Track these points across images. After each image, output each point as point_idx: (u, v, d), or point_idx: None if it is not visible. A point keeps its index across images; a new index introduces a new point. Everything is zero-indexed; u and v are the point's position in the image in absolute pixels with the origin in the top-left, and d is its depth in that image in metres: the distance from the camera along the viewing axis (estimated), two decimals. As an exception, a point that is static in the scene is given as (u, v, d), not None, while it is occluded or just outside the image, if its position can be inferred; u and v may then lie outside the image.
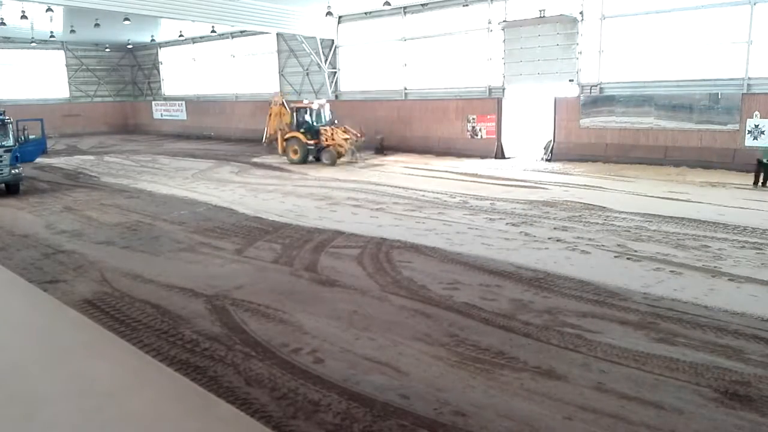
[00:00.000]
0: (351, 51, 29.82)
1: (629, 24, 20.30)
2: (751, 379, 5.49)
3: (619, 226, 11.39)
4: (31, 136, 19.96)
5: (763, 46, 17.77)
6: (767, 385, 5.38)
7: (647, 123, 19.56)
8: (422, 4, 25.79)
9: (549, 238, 10.67)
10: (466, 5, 24.02)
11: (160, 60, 43.48)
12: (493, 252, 9.89)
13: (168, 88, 43.62)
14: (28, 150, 19.30)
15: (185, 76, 41.23)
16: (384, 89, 28.50)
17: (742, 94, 17.89)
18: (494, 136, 23.25)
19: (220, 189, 17.25)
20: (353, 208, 13.95)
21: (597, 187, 15.73)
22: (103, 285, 8.67)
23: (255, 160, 24.33)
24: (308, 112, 22.48)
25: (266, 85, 34.45)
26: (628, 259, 9.35)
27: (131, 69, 46.24)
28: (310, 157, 22.22)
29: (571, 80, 21.39)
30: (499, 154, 22.96)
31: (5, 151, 16.25)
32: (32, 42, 37.09)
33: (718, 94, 18.22)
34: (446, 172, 19.48)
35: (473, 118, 23.92)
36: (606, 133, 20.55)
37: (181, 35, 35.98)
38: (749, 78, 18.10)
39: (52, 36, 35.76)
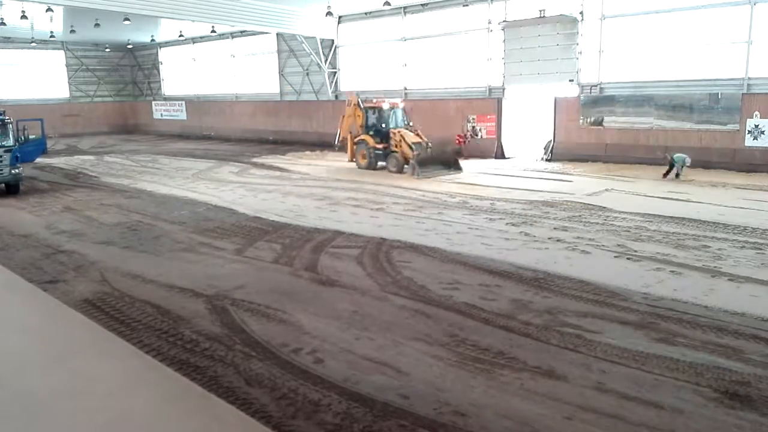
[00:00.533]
0: (351, 51, 29.82)
1: (629, 24, 20.31)
2: (751, 379, 5.48)
3: (619, 226, 11.38)
4: (31, 136, 19.97)
5: (763, 46, 17.77)
6: (767, 385, 5.38)
7: (647, 123, 19.56)
8: (422, 4, 25.79)
9: (549, 238, 10.67)
10: (466, 5, 24.02)
11: (160, 60, 43.49)
12: (493, 252, 9.89)
13: (168, 88, 43.62)
14: (28, 150, 19.30)
15: (185, 76, 41.24)
16: (384, 89, 28.47)
17: (742, 94, 17.90)
18: (494, 136, 23.26)
19: (220, 189, 17.25)
20: (353, 208, 13.95)
21: (599, 187, 15.73)
22: (103, 285, 8.66)
23: (255, 160, 24.33)
24: (376, 113, 20.17)
25: (266, 85, 34.46)
26: (628, 259, 9.35)
27: (131, 69, 46.25)
28: (380, 163, 19.80)
29: (571, 80, 21.39)
30: (499, 154, 22.96)
31: (5, 151, 16.25)
32: (32, 42, 37.10)
33: (718, 94, 18.22)
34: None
35: (473, 118, 23.92)
36: (606, 133, 20.56)
37: (181, 35, 35.99)
38: (749, 78, 18.11)
39: (52, 36, 35.78)
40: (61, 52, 41.74)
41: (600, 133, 20.67)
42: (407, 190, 16.09)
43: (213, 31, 32.81)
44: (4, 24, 27.55)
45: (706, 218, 11.76)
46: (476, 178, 18.13)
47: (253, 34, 33.28)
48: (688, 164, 16.52)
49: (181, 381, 5.30)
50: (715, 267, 8.79)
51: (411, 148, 18.62)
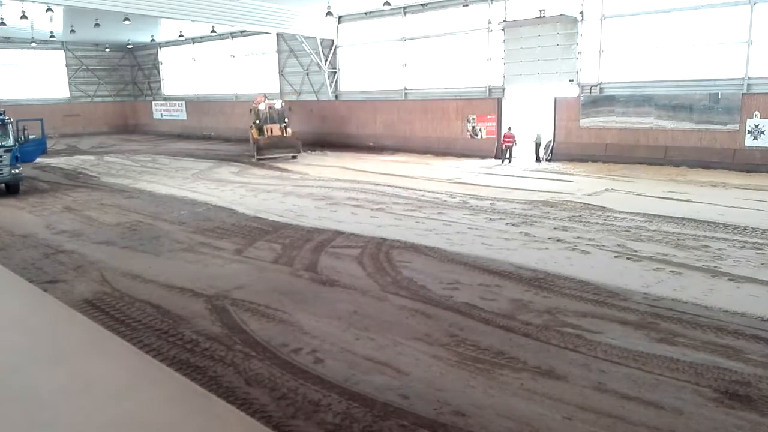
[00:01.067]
0: (351, 51, 29.82)
1: (629, 24, 20.31)
2: (751, 379, 5.48)
3: (619, 226, 11.38)
4: (31, 136, 19.97)
5: (763, 46, 17.77)
6: (767, 385, 5.38)
7: (647, 123, 19.56)
8: (422, 4, 25.80)
9: (549, 238, 10.67)
10: (466, 5, 24.02)
11: (160, 60, 43.49)
12: (493, 252, 9.89)
13: (168, 88, 43.63)
14: (28, 150, 19.30)
15: (185, 76, 41.25)
16: (384, 89, 28.51)
17: (742, 94, 17.90)
18: (494, 136, 23.25)
19: (220, 189, 17.25)
20: (353, 208, 13.95)
21: (596, 187, 15.73)
22: (103, 285, 8.66)
23: (255, 160, 24.33)
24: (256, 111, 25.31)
25: (266, 85, 34.45)
26: (628, 259, 9.35)
27: (131, 69, 46.26)
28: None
29: (571, 80, 21.40)
30: (499, 154, 22.95)
31: (5, 151, 16.25)
32: (32, 42, 37.11)
33: (718, 94, 18.22)
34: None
35: (473, 118, 23.92)
36: (606, 133, 20.55)
37: (181, 35, 35.99)
38: (749, 78, 18.11)
39: (52, 36, 35.78)
40: (61, 52, 41.75)
41: (600, 133, 20.67)
42: (396, 188, 16.10)
43: (213, 31, 32.82)
44: (4, 24, 27.56)
45: (706, 218, 11.76)
46: (476, 178, 18.14)
47: (253, 34, 33.29)
48: (539, 143, 18.39)
49: (181, 381, 5.29)
50: (715, 267, 8.79)
51: (267, 138, 23.95)
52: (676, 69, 19.39)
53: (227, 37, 36.23)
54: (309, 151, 26.99)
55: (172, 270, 9.35)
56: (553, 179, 17.41)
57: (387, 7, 24.63)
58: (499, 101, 23.29)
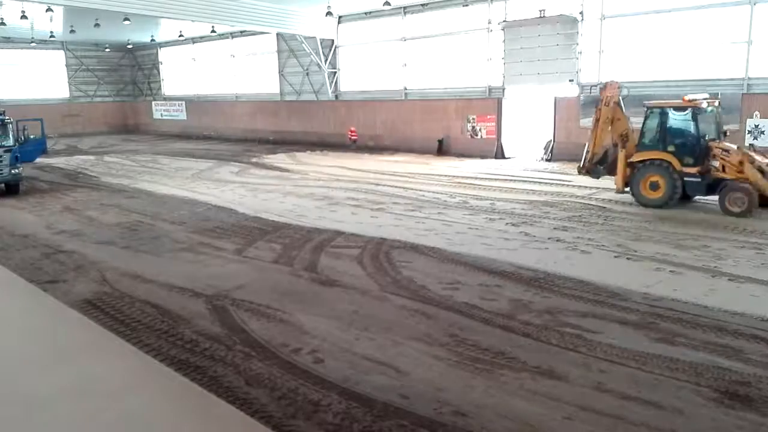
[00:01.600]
0: (351, 51, 29.82)
1: (629, 24, 20.30)
2: (751, 379, 5.48)
3: (619, 226, 11.38)
4: (31, 136, 19.98)
5: (763, 46, 17.77)
6: (767, 385, 5.38)
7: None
8: (422, 4, 25.79)
9: (549, 238, 10.67)
10: (466, 5, 24.02)
11: (160, 60, 43.49)
12: (493, 252, 9.89)
13: (168, 88, 43.63)
14: (28, 150, 19.33)
15: (185, 76, 41.24)
16: (384, 89, 28.50)
17: (742, 94, 17.89)
18: (494, 136, 23.25)
19: (220, 189, 17.25)
20: (353, 208, 13.95)
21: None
22: (103, 285, 8.66)
23: (255, 160, 24.33)
24: (691, 116, 12.86)
25: (266, 85, 34.47)
26: (628, 259, 9.35)
27: (131, 69, 46.25)
28: (686, 196, 13.19)
29: (571, 80, 21.39)
30: (499, 154, 22.96)
31: (5, 151, 16.25)
32: (32, 42, 37.09)
33: (718, 94, 18.21)
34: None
35: (473, 118, 23.92)
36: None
37: (181, 35, 35.98)
38: (749, 78, 18.10)
39: (52, 36, 35.76)
40: (61, 52, 41.73)
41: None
42: (399, 188, 16.10)
43: (213, 31, 32.81)
44: (4, 24, 27.56)
45: (706, 218, 11.74)
46: (476, 178, 18.14)
47: (253, 34, 33.28)
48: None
49: (181, 381, 5.29)
50: (715, 267, 8.79)
51: (766, 175, 12.13)
52: (676, 69, 19.38)
53: (227, 37, 36.22)
54: (309, 151, 27.01)
55: (172, 270, 9.35)
56: (553, 179, 17.41)
57: (387, 7, 24.63)
58: (499, 101, 23.29)
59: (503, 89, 23.43)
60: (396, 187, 16.61)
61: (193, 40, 38.82)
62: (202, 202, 15.14)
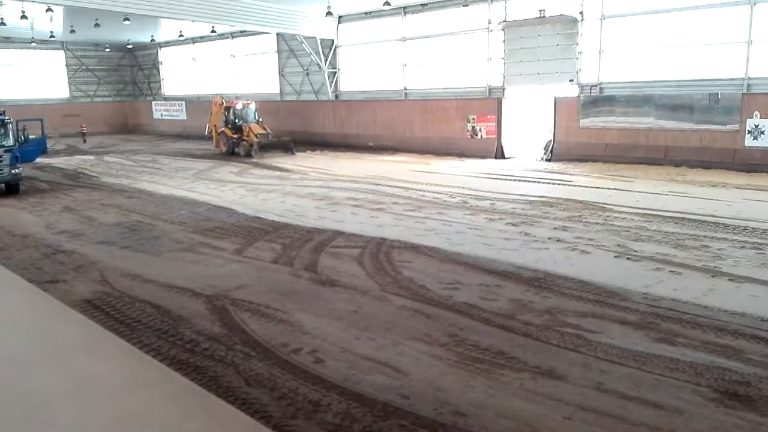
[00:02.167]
0: (351, 51, 29.83)
1: (629, 24, 20.31)
2: (751, 379, 5.48)
3: (619, 226, 11.38)
4: (31, 136, 19.97)
5: (763, 46, 17.78)
6: (767, 385, 5.38)
7: (647, 123, 19.55)
8: (422, 4, 25.81)
9: (549, 238, 10.67)
10: (466, 5, 24.03)
11: (160, 60, 43.49)
12: (493, 252, 9.89)
13: (168, 88, 43.63)
14: (28, 150, 19.32)
15: (185, 76, 41.24)
16: (384, 89, 28.51)
17: (742, 94, 17.89)
18: (494, 136, 23.26)
19: (219, 189, 17.25)
20: (353, 208, 13.95)
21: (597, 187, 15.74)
22: (103, 285, 8.66)
23: (254, 160, 24.33)
24: (233, 111, 26.28)
25: (266, 85, 34.47)
26: (628, 259, 9.35)
27: (131, 69, 46.26)
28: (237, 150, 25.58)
29: (571, 80, 21.40)
30: (499, 154, 22.95)
31: (5, 151, 16.24)
32: (32, 42, 37.11)
33: (718, 94, 18.22)
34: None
35: (473, 118, 23.92)
36: (606, 133, 20.54)
37: (181, 35, 35.99)
38: (749, 78, 18.11)
39: (52, 36, 35.78)
40: (61, 52, 41.75)
41: (600, 133, 20.67)
42: (396, 188, 16.10)
43: (213, 31, 32.83)
44: (4, 24, 27.56)
45: (706, 218, 11.76)
46: (476, 178, 18.14)
47: (253, 34, 33.29)
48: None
49: (181, 381, 5.29)
50: (715, 267, 8.79)
51: (256, 136, 24.69)
52: (676, 69, 19.39)
53: (227, 37, 36.22)
54: (310, 150, 27.01)
55: (172, 270, 9.35)
56: (553, 179, 17.41)
57: (387, 7, 24.63)
58: (499, 101, 23.29)
59: (503, 89, 23.44)
60: (396, 187, 16.61)
61: (193, 40, 38.82)
62: (202, 202, 15.14)
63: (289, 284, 8.59)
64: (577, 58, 21.26)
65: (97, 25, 29.79)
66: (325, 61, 29.85)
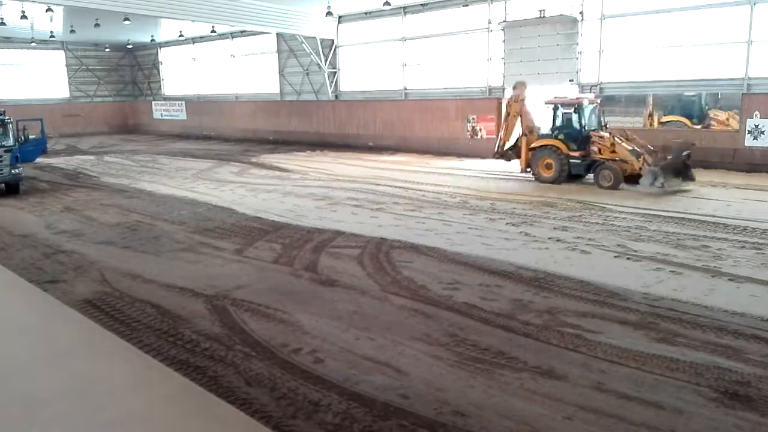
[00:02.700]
0: (351, 51, 29.82)
1: (629, 24, 20.30)
2: (751, 379, 5.48)
3: (619, 226, 11.38)
4: (31, 136, 19.97)
5: (763, 46, 17.77)
6: (767, 385, 5.38)
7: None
8: (422, 4, 25.80)
9: (549, 238, 10.67)
10: (466, 5, 24.02)
11: (160, 60, 43.48)
12: (493, 252, 9.89)
13: (168, 88, 43.62)
14: (28, 150, 19.30)
15: (185, 76, 41.23)
16: (384, 89, 28.50)
17: (742, 94, 17.90)
18: (494, 136, 23.20)
19: (220, 189, 17.25)
20: (353, 208, 13.95)
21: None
22: (103, 285, 8.66)
23: (254, 160, 24.34)
24: (575, 110, 16.20)
25: (266, 85, 34.47)
26: (628, 259, 9.35)
27: (131, 69, 46.24)
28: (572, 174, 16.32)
29: (571, 80, 21.39)
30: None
31: (5, 151, 16.24)
32: (32, 42, 37.10)
33: (718, 94, 18.22)
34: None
35: (473, 118, 23.92)
36: (606, 133, 20.50)
37: (181, 35, 35.99)
38: (749, 78, 18.11)
39: (52, 36, 35.78)
40: (61, 52, 41.73)
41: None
42: (396, 188, 16.10)
43: (213, 31, 32.82)
44: (4, 24, 27.56)
45: (706, 218, 11.76)
46: (476, 178, 18.13)
47: (253, 34, 33.28)
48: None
49: (181, 381, 5.29)
50: (715, 267, 8.79)
51: (635, 155, 15.13)
52: (676, 69, 19.38)
53: (227, 37, 36.22)
54: (310, 150, 27.01)
55: (172, 270, 9.35)
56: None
57: (387, 7, 24.62)
58: (499, 101, 23.26)
59: (503, 89, 23.42)
60: (396, 187, 16.61)
61: (193, 40, 38.81)
62: (202, 202, 15.14)
63: (289, 284, 8.59)
64: (577, 58, 21.25)
65: (97, 25, 29.79)
66: (325, 61, 29.85)
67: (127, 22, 28.33)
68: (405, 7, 26.40)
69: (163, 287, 8.48)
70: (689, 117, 20.95)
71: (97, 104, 43.91)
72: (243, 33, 34.61)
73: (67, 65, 42.26)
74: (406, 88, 27.57)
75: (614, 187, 15.08)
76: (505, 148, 17.97)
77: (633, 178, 14.95)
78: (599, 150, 15.50)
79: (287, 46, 32.44)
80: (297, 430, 4.83)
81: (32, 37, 35.50)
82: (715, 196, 14.10)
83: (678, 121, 20.25)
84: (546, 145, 16.40)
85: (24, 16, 25.79)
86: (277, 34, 31.32)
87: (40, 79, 40.72)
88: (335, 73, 30.41)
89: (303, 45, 29.59)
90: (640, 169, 14.83)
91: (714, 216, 11.94)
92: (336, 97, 30.66)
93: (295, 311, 7.43)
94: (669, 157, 14.99)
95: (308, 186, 17.33)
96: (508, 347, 6.27)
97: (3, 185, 16.73)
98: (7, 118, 16.74)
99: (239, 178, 19.34)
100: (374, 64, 28.76)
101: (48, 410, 4.55)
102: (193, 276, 8.98)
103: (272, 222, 12.64)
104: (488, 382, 5.54)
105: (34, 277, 9.07)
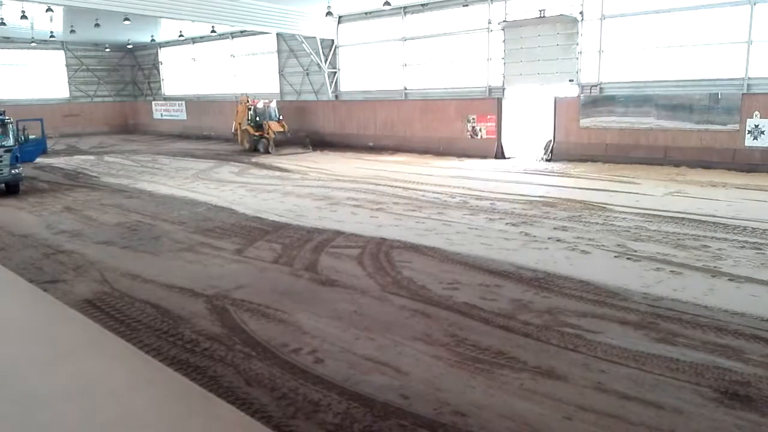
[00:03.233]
0: (351, 51, 29.84)
1: (629, 24, 20.32)
2: (751, 379, 5.48)
3: (619, 226, 11.38)
4: (31, 136, 19.97)
5: (763, 46, 17.79)
6: (767, 385, 5.38)
7: (647, 123, 19.55)
8: (422, 4, 25.81)
9: (549, 238, 10.67)
10: (466, 5, 24.04)
11: (160, 60, 43.50)
12: (493, 252, 9.89)
13: (168, 88, 43.64)
14: (28, 150, 19.31)
15: (185, 76, 41.25)
16: (384, 89, 28.52)
17: (742, 94, 17.90)
18: (494, 136, 23.25)
19: (220, 189, 17.25)
20: (353, 208, 13.95)
21: (596, 189, 15.74)
22: (103, 285, 8.66)
23: (254, 160, 24.34)
24: (254, 109, 27.25)
25: (266, 85, 34.48)
26: (628, 259, 9.35)
27: (131, 69, 46.26)
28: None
29: (571, 80, 21.40)
30: (499, 155, 22.95)
31: (5, 151, 16.24)
32: (32, 42, 37.11)
33: (718, 94, 18.22)
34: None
35: (473, 118, 23.92)
36: (606, 134, 20.54)
37: (181, 35, 36.00)
38: (749, 78, 18.12)
39: (52, 36, 35.78)
40: (61, 52, 41.74)
41: (600, 133, 20.67)
42: (396, 188, 16.10)
43: (213, 31, 32.82)
44: (4, 24, 27.55)
45: (706, 218, 11.76)
46: (476, 178, 18.14)
47: (253, 34, 33.30)
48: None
49: (181, 381, 5.29)
50: (715, 267, 8.79)
51: (274, 133, 26.15)
52: (676, 69, 19.40)
53: (227, 37, 36.23)
54: (309, 151, 27.03)
55: (172, 270, 9.35)
56: (554, 179, 17.41)
57: (387, 7, 24.63)
58: (499, 101, 23.29)
59: (503, 89, 23.44)
60: (396, 187, 16.61)
61: (193, 40, 38.83)
62: (202, 202, 15.14)
63: (289, 284, 8.60)
64: (577, 58, 21.26)
65: (97, 25, 29.79)
66: (325, 61, 29.86)
67: (127, 22, 28.33)
68: (405, 7, 26.41)
69: (163, 287, 8.49)
70: None
71: (97, 104, 43.92)
72: (243, 33, 34.62)
73: (67, 65, 42.28)
74: (406, 88, 27.58)
75: (266, 151, 26.02)
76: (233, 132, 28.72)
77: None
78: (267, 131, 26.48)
79: (287, 46, 32.45)
80: (297, 430, 4.83)
81: (32, 37, 35.51)
82: (715, 196, 14.10)
83: None
84: (245, 129, 27.49)
85: (24, 16, 25.78)
86: (277, 34, 31.33)
87: (40, 79, 40.74)
88: (335, 73, 30.42)
89: (303, 45, 29.60)
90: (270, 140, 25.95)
91: (714, 216, 11.93)
92: (336, 97, 30.67)
93: (295, 311, 7.43)
94: (288, 136, 26.34)
95: (308, 186, 17.34)
96: (508, 347, 6.27)
97: (3, 185, 16.73)
98: (7, 118, 16.74)
99: (239, 178, 19.34)
100: (374, 64, 28.78)
101: (48, 410, 4.55)
102: (193, 276, 8.98)
103: (272, 222, 12.64)
104: (488, 382, 5.54)
105: (34, 277, 9.07)
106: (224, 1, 24.41)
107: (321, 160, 24.04)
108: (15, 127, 17.16)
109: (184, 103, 40.37)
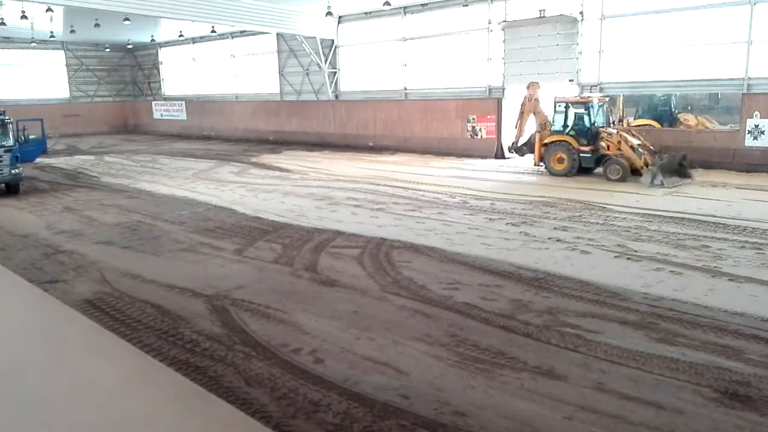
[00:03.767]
0: (351, 51, 29.83)
1: (629, 24, 20.32)
2: (751, 379, 5.48)
3: (619, 226, 11.38)
4: (31, 136, 19.97)
5: (763, 46, 17.78)
6: (767, 385, 5.38)
7: (647, 123, 19.54)
8: (422, 4, 25.81)
9: (549, 238, 10.66)
10: (466, 5, 24.04)
11: (160, 60, 43.49)
12: (493, 252, 9.89)
13: (168, 88, 43.63)
14: (28, 150, 19.30)
15: (185, 76, 41.24)
16: (384, 89, 28.51)
17: (742, 94, 17.90)
18: (494, 136, 23.24)
19: (220, 189, 17.25)
20: (353, 208, 13.95)
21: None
22: (103, 285, 8.66)
23: (254, 160, 24.34)
24: (585, 108, 17.24)
25: (266, 85, 34.48)
26: (628, 259, 9.35)
27: (131, 69, 46.25)
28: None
29: (571, 80, 21.40)
30: (499, 154, 22.94)
31: (5, 151, 16.23)
32: (32, 42, 37.09)
33: (718, 94, 18.23)
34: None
35: (473, 118, 23.91)
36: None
37: (181, 35, 35.99)
38: (749, 78, 18.12)
39: (52, 36, 35.76)
40: (61, 52, 41.73)
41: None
42: (396, 188, 16.10)
43: (213, 31, 32.81)
44: (4, 24, 27.54)
45: (706, 218, 11.76)
46: (476, 178, 18.13)
47: (253, 34, 33.29)
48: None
49: (181, 381, 5.30)
50: (715, 267, 8.79)
51: (636, 151, 16.30)
52: (676, 69, 19.39)
53: (227, 37, 36.23)
54: (309, 151, 27.01)
55: (172, 270, 9.35)
56: (553, 179, 17.40)
57: (387, 7, 24.63)
58: (499, 101, 23.27)
59: (503, 89, 23.43)
60: (396, 187, 16.61)
61: (193, 40, 38.82)
62: (202, 202, 15.14)
63: (289, 284, 8.60)
64: (577, 58, 21.26)
65: (97, 25, 29.79)
66: (325, 61, 29.85)
67: (127, 22, 28.33)
68: (405, 7, 26.41)
69: (163, 287, 8.48)
70: (659, 120, 20.80)
71: (97, 104, 43.90)
72: (243, 33, 34.61)
73: (67, 65, 42.26)
74: (406, 88, 27.58)
75: (622, 179, 16.13)
76: (519, 144, 19.58)
77: (638, 171, 16.19)
78: (607, 146, 16.70)
79: (287, 46, 32.45)
80: (297, 430, 4.83)
81: (32, 37, 35.49)
82: (715, 196, 14.10)
83: (647, 125, 20.09)
84: (558, 141, 17.50)
85: (24, 16, 25.78)
86: (277, 34, 31.32)
87: (40, 79, 40.71)
88: (335, 73, 30.42)
89: (303, 45, 29.60)
90: (641, 166, 16.14)
91: (714, 216, 11.93)
92: (336, 97, 30.66)
93: (295, 311, 7.43)
94: (665, 156, 16.19)
95: (308, 186, 17.33)
96: (508, 347, 6.27)
97: (3, 185, 16.73)
98: (7, 118, 16.73)
99: (239, 178, 19.34)
100: (374, 64, 28.77)
101: (48, 410, 4.55)
102: (193, 276, 8.98)
103: (272, 222, 12.64)
104: (488, 382, 5.54)
105: (34, 277, 9.07)
106: (224, 1, 24.41)
107: (321, 160, 24.03)
108: (15, 127, 17.16)
109: (184, 103, 40.35)
